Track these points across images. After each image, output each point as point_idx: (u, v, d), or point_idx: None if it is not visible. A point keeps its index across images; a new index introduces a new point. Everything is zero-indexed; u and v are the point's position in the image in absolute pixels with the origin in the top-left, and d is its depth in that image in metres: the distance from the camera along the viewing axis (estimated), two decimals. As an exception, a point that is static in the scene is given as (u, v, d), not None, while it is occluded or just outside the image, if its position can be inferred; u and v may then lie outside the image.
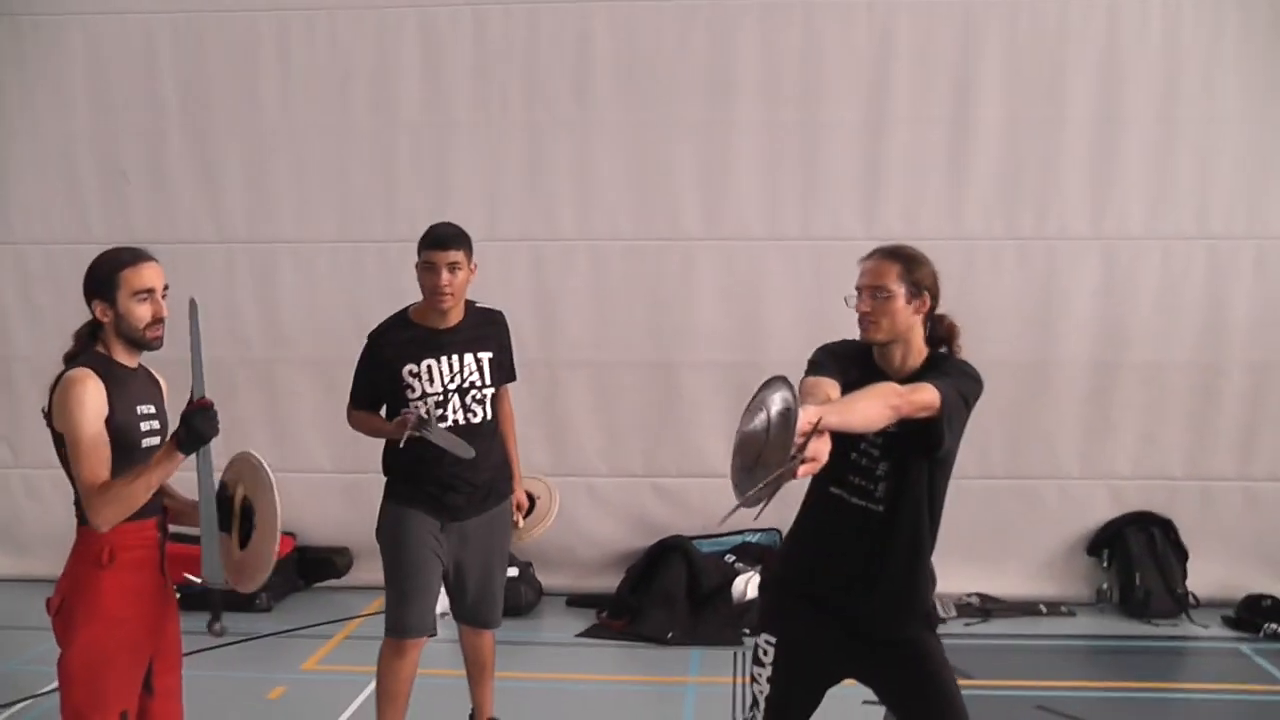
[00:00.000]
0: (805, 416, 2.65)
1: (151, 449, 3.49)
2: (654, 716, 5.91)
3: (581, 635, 7.26)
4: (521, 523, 5.24)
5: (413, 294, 4.83)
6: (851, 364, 3.41)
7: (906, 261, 3.42)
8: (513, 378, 5.12)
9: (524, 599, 7.58)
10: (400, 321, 4.83)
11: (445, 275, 4.63)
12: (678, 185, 7.78)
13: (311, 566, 8.04)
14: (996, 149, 7.62)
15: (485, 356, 4.85)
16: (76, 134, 8.00)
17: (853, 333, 3.60)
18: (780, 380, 2.71)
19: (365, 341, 4.85)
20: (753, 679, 3.64)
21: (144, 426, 3.55)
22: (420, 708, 4.99)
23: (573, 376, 7.93)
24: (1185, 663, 7.01)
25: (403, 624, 4.75)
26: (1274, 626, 7.23)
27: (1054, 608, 7.59)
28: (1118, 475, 7.76)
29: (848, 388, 3.20)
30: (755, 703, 3.63)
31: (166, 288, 3.53)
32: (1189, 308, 7.67)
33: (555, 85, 7.78)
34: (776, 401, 2.67)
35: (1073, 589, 7.78)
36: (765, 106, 7.69)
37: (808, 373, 3.39)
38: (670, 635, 7.08)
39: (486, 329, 4.92)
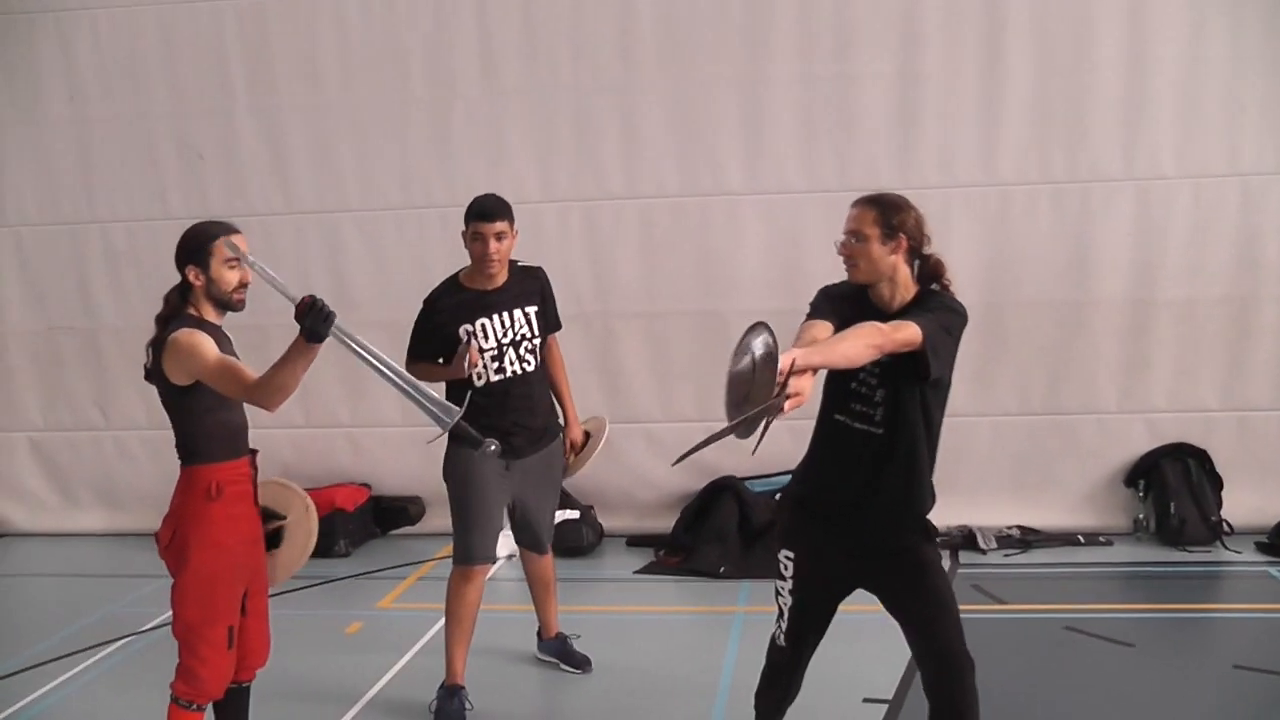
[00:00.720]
0: (785, 358, 3.08)
1: None
2: (704, 642, 6.38)
3: (640, 571, 7.76)
4: (573, 459, 5.76)
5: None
6: (847, 303, 3.80)
7: (883, 208, 3.74)
8: (558, 326, 5.65)
9: (585, 540, 8.11)
10: (452, 286, 5.35)
11: (493, 244, 5.15)
12: (720, 142, 8.15)
13: (387, 515, 8.64)
14: (1027, 94, 7.87)
15: (531, 310, 5.40)
16: (153, 116, 8.57)
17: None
18: (762, 325, 3.16)
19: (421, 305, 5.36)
20: (777, 593, 4.09)
21: None
22: (488, 636, 5.56)
23: (626, 328, 8.39)
24: (1216, 586, 7.33)
25: (469, 552, 5.31)
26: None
27: (1092, 538, 7.94)
28: (1154, 409, 8.06)
29: (844, 324, 3.60)
30: (780, 613, 4.08)
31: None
32: (1220, 244, 7.91)
33: (600, 49, 8.16)
34: (759, 346, 3.11)
35: (1111, 519, 8.11)
36: (800, 60, 8.00)
37: (807, 315, 3.81)
38: (722, 570, 7.56)
39: (529, 284, 5.46)
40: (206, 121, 8.53)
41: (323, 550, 7.57)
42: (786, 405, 3.11)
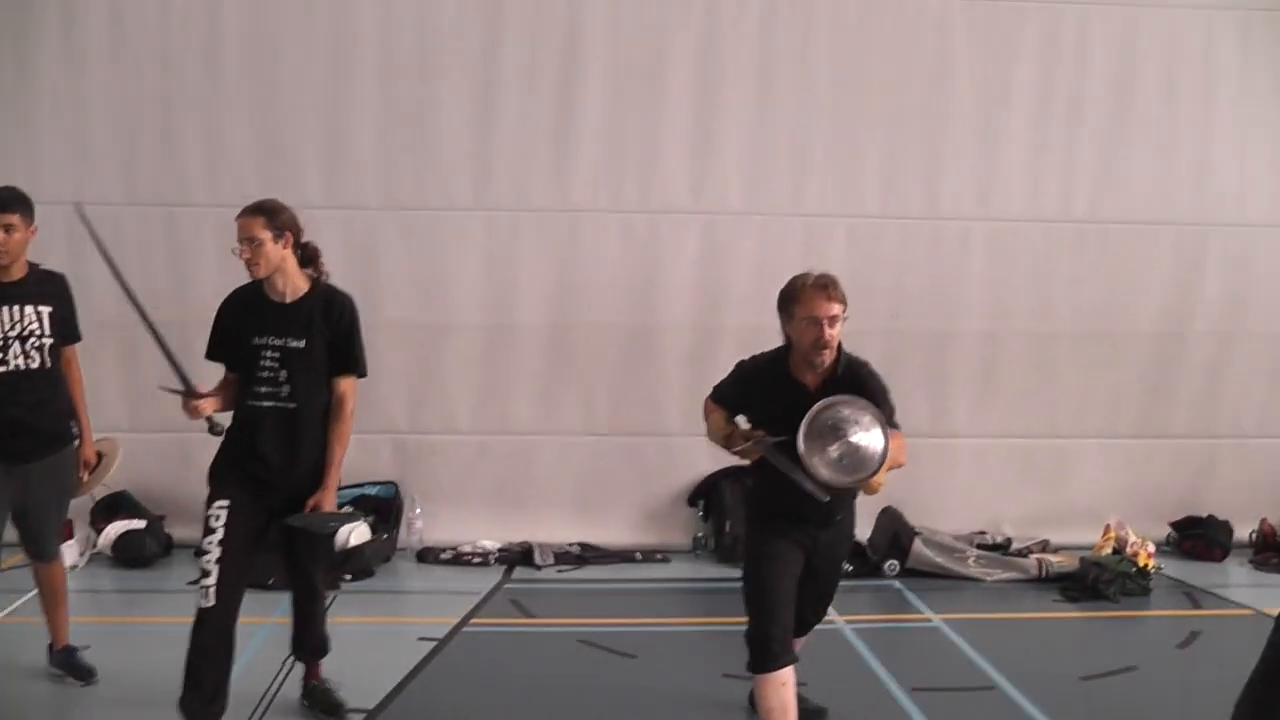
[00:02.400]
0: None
1: None
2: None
3: (193, 583, 7.72)
4: (87, 477, 5.76)
5: None
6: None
7: (268, 213, 4.64)
8: (78, 338, 5.67)
9: (148, 550, 8.06)
10: None
11: (2, 236, 5.13)
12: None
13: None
14: (600, 124, 8.33)
15: (45, 310, 5.44)
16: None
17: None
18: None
19: None
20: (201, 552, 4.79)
21: None
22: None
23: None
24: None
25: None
26: (848, 566, 8.07)
27: (650, 555, 8.37)
28: (719, 431, 8.52)
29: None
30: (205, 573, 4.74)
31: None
32: (784, 277, 8.43)
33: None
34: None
35: (674, 537, 8.59)
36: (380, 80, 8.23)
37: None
38: (271, 581, 7.61)
39: (48, 286, 5.50)
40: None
41: None
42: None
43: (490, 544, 8.33)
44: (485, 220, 8.26)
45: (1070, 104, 8.68)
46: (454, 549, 8.34)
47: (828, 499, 4.24)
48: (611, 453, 8.50)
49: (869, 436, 4.12)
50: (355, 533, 7.84)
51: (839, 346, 4.50)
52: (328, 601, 5.70)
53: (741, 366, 4.85)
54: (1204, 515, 9.03)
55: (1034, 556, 8.25)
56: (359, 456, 8.26)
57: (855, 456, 4.07)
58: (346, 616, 7.04)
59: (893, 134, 8.51)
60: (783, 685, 4.54)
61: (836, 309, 4.35)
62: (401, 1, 8.22)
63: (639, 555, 8.34)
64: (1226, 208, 8.94)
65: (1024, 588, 8.03)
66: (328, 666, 5.63)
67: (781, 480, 4.37)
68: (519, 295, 8.32)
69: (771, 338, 8.36)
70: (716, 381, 8.34)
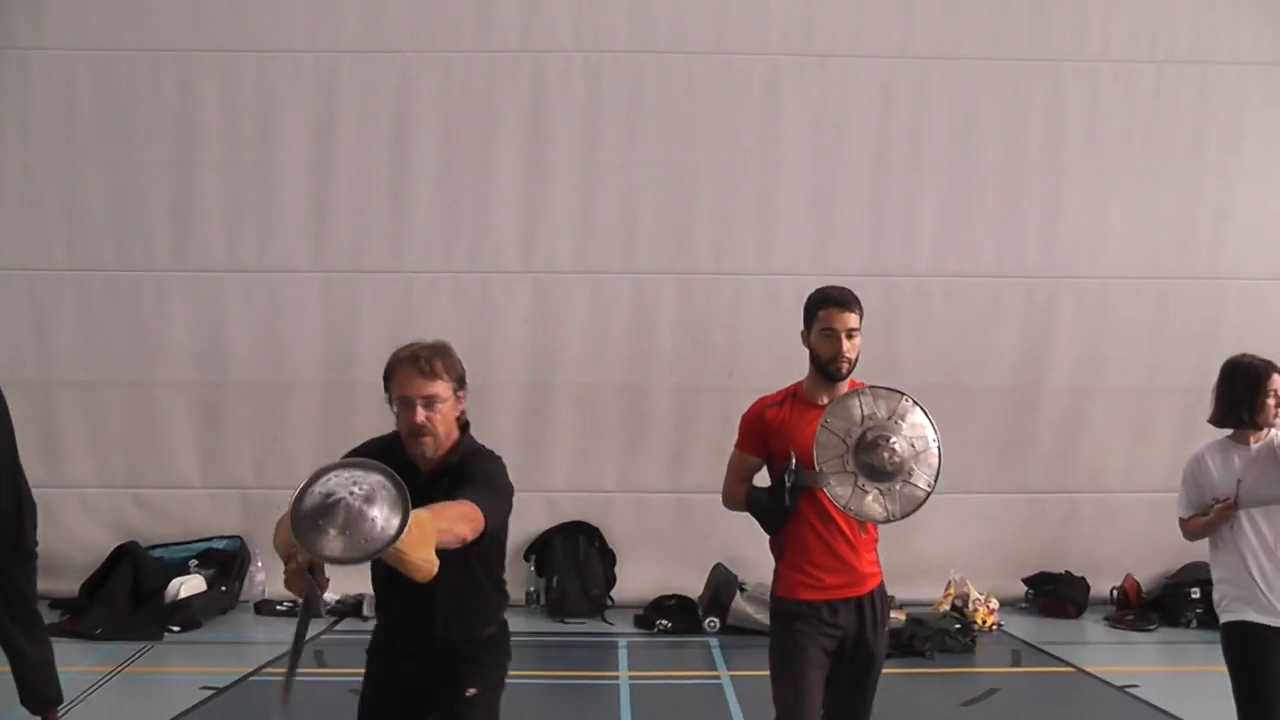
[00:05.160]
0: None
1: None
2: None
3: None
4: None
5: None
6: None
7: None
8: None
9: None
10: None
11: None
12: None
13: None
14: (432, 185, 8.76)
15: None
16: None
17: None
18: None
19: None
20: None
21: None
22: None
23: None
24: (554, 654, 8.09)
25: None
26: (665, 623, 8.34)
27: (480, 608, 8.63)
28: (554, 488, 8.86)
29: None
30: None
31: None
32: (618, 336, 8.79)
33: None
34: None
35: (509, 591, 8.80)
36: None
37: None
38: (98, 631, 8.07)
39: None
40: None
41: None
42: None
43: (328, 596, 8.67)
44: (323, 281, 8.70)
45: (908, 158, 8.89)
46: (294, 602, 8.67)
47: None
48: (448, 508, 8.78)
49: (377, 506, 3.12)
50: (186, 585, 8.38)
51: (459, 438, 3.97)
52: (44, 656, 5.78)
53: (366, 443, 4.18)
54: (1061, 572, 9.06)
55: (858, 614, 8.34)
56: (208, 511, 8.79)
57: (361, 526, 3.07)
58: (145, 666, 7.49)
59: (724, 191, 8.81)
60: None
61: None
62: (242, 68, 8.74)
63: (468, 609, 8.58)
64: (1079, 260, 9.05)
65: (845, 645, 8.14)
66: (78, 715, 5.92)
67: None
68: (357, 354, 8.70)
69: (602, 395, 8.77)
70: (550, 439, 8.74)
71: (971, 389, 8.99)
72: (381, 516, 3.00)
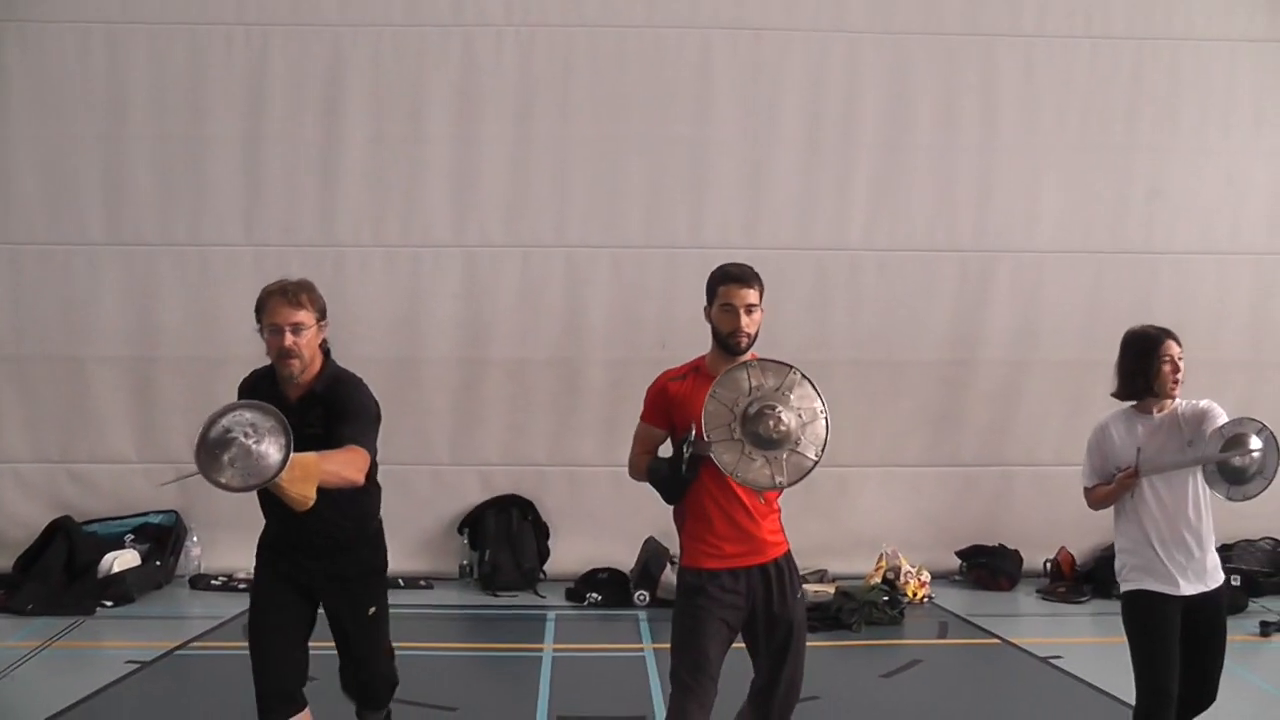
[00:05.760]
0: None
1: None
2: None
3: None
4: None
5: None
6: None
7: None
8: None
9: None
10: None
11: None
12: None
13: None
14: (363, 162, 8.73)
15: None
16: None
17: None
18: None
19: None
20: None
21: None
22: None
23: None
24: (482, 627, 8.17)
25: None
26: (596, 596, 8.40)
27: (412, 581, 8.72)
28: (487, 462, 8.92)
29: None
30: None
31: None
32: (550, 311, 8.81)
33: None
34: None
35: (444, 565, 8.95)
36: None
37: None
38: (30, 606, 8.10)
39: None
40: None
41: None
42: None
43: (262, 571, 8.71)
44: (254, 255, 8.70)
45: (841, 132, 8.93)
46: (228, 576, 8.74)
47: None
48: (384, 482, 8.82)
49: (265, 444, 3.75)
50: (120, 559, 8.42)
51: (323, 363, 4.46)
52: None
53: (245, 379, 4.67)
54: (994, 545, 9.15)
55: (788, 586, 8.41)
56: (143, 485, 8.82)
57: (248, 460, 3.72)
58: (78, 641, 7.53)
59: (655, 164, 8.84)
60: None
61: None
62: (172, 42, 8.74)
63: (401, 582, 8.66)
64: (1014, 234, 9.11)
65: (774, 617, 8.21)
66: (1, 689, 5.99)
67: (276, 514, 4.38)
68: (289, 329, 8.69)
69: (535, 369, 8.81)
70: (483, 413, 8.78)
71: (905, 363, 9.08)
72: (267, 453, 3.65)
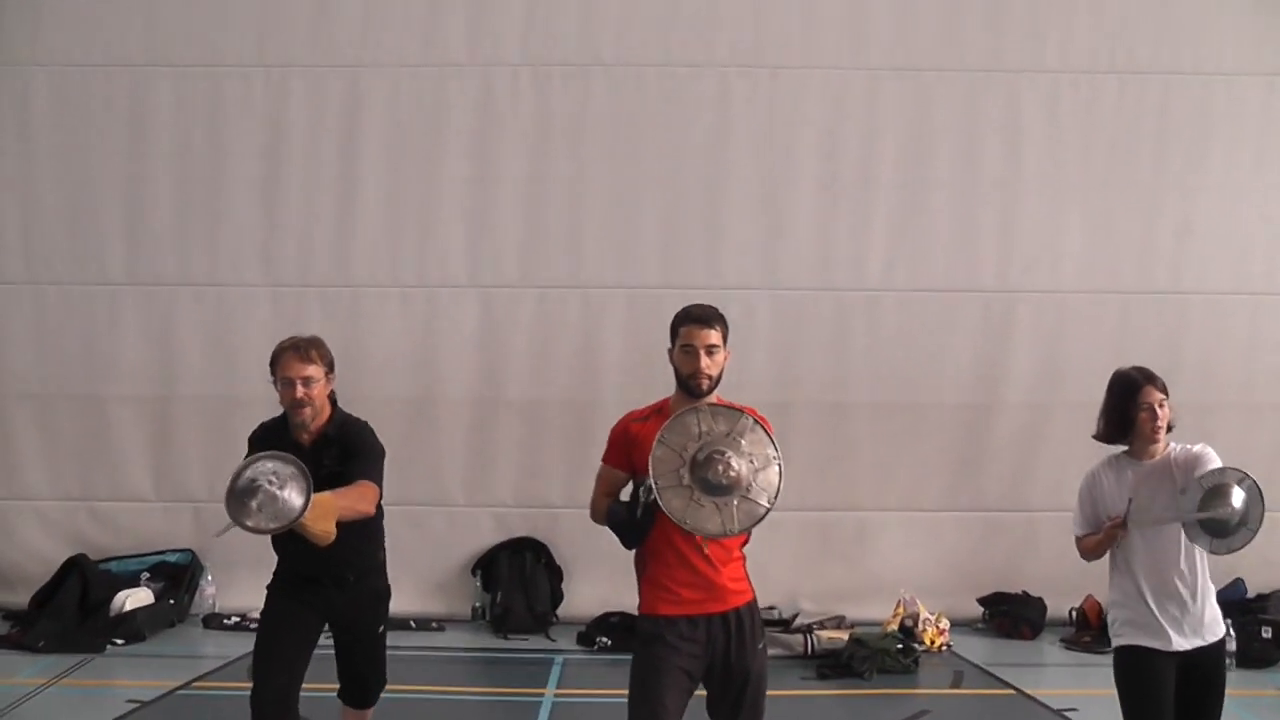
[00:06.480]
0: None
1: None
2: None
3: (-23, 645, 8.30)
4: None
5: None
6: None
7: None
8: None
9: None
10: None
11: None
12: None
13: None
14: (381, 199, 8.80)
15: None
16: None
17: None
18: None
19: None
20: None
21: None
22: None
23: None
24: (487, 670, 8.16)
25: None
26: (606, 640, 8.34)
27: (424, 623, 8.70)
28: (501, 503, 8.90)
29: None
30: None
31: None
32: (562, 350, 8.81)
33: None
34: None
35: (458, 606, 8.92)
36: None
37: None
38: (42, 644, 8.16)
39: None
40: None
41: None
42: None
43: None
44: (272, 295, 8.76)
45: (860, 170, 8.86)
46: (241, 615, 8.77)
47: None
48: (397, 522, 8.76)
49: (287, 490, 4.23)
50: (132, 597, 8.47)
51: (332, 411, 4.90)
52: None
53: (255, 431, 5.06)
54: (1017, 592, 8.97)
55: (801, 633, 8.30)
56: (161, 523, 8.90)
57: (274, 505, 4.20)
58: (84, 679, 7.57)
59: (672, 203, 8.81)
60: None
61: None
62: (192, 81, 8.83)
63: (413, 624, 8.65)
64: (1037, 275, 8.97)
65: (788, 664, 8.09)
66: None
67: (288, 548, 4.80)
68: (305, 368, 8.73)
69: (550, 410, 8.78)
70: (497, 453, 8.75)
71: (926, 405, 8.95)
72: (290, 498, 4.15)
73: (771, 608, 8.78)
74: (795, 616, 8.66)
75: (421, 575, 8.90)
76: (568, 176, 8.77)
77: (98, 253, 8.94)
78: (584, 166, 8.79)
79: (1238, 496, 4.29)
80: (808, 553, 8.96)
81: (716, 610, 4.24)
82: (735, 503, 4.01)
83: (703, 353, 4.20)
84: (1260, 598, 8.87)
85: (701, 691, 4.34)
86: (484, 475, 8.90)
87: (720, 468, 4.00)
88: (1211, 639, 4.49)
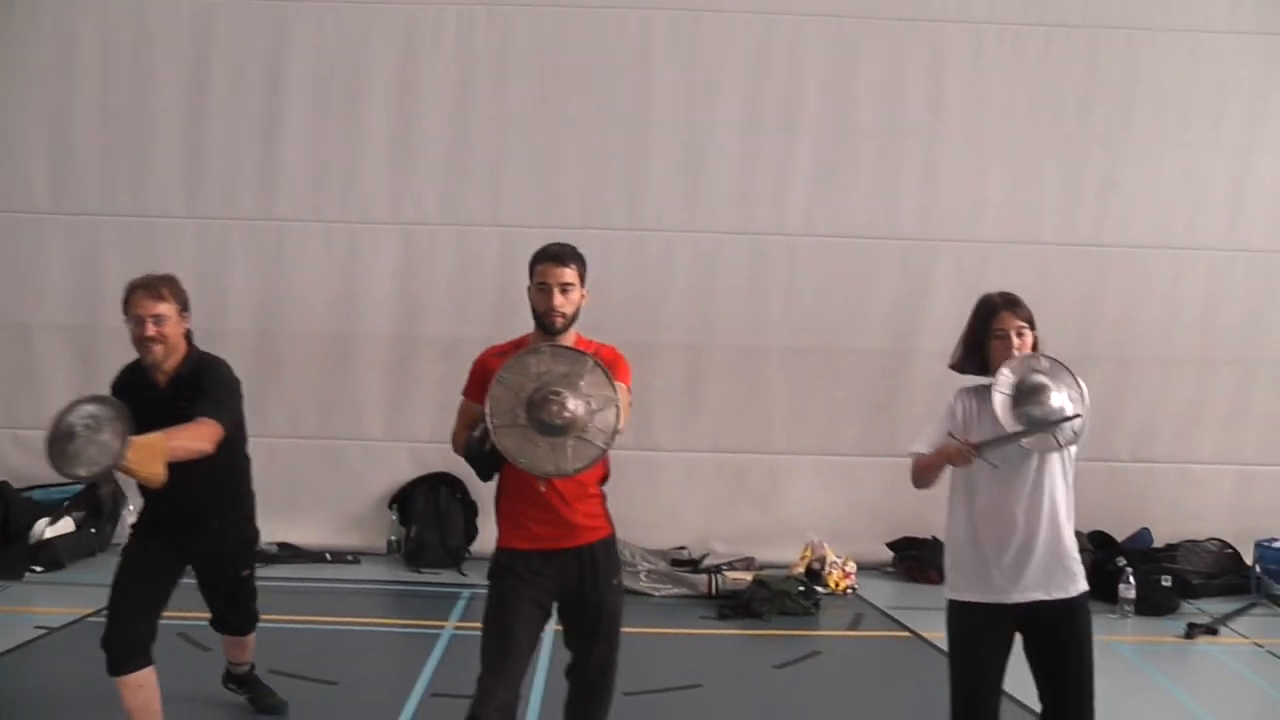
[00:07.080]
0: None
1: None
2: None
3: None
4: None
5: None
6: None
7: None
8: None
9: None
10: None
11: None
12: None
13: None
14: (307, 134, 8.86)
15: None
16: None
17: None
18: None
19: None
20: None
21: None
22: None
23: None
24: (396, 603, 8.33)
25: None
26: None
27: (340, 556, 8.85)
28: (417, 439, 9.00)
29: None
30: None
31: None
32: (482, 289, 8.87)
33: None
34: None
35: (373, 540, 9.06)
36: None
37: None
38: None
39: None
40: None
41: None
42: None
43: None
44: (197, 228, 8.83)
45: (783, 116, 8.89)
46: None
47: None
48: (315, 456, 8.99)
49: (104, 434, 4.11)
50: (52, 526, 8.60)
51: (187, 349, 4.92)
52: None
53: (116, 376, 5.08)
54: (927, 537, 9.09)
55: (707, 573, 8.44)
56: (86, 451, 8.96)
57: (91, 450, 4.05)
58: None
59: (593, 144, 8.85)
60: (139, 688, 4.90)
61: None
62: (119, 11, 8.83)
63: (328, 556, 8.80)
64: (958, 224, 9.02)
65: (691, 604, 8.24)
66: None
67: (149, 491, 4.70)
68: (228, 302, 8.85)
69: (469, 348, 8.83)
70: (415, 390, 8.86)
71: (841, 351, 9.04)
72: (108, 441, 4.01)
73: (681, 548, 8.95)
74: (704, 557, 8.77)
75: (338, 509, 9.06)
76: (490, 116, 8.80)
77: (21, 181, 8.97)
78: (506, 106, 8.82)
79: (1039, 377, 4.16)
80: (720, 495, 9.09)
81: (568, 545, 4.36)
82: (570, 443, 4.03)
83: (556, 290, 4.25)
84: (1170, 547, 9.00)
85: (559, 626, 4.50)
86: (402, 411, 8.99)
87: (555, 408, 4.02)
88: (1059, 594, 4.15)
